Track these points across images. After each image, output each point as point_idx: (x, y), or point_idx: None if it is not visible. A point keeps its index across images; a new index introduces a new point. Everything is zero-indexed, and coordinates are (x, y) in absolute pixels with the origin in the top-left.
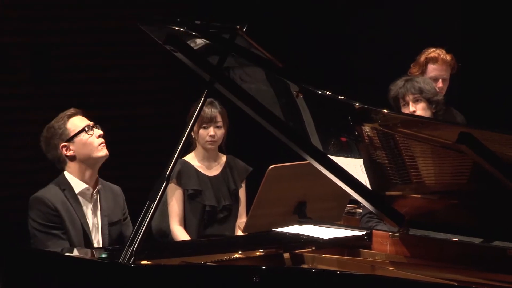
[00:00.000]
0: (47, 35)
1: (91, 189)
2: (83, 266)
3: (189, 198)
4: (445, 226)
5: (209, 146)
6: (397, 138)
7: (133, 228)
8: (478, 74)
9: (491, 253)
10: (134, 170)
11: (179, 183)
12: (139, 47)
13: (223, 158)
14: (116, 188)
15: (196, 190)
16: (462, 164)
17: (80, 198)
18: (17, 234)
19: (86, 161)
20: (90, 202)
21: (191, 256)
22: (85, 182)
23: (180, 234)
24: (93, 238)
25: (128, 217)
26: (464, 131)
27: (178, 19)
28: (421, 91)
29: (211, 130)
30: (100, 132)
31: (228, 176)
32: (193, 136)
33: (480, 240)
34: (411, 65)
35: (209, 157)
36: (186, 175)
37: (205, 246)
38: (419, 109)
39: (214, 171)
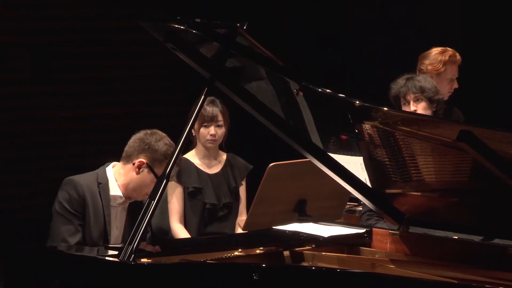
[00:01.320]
0: (47, 35)
1: (123, 199)
2: (83, 264)
3: (190, 196)
4: (445, 224)
5: (210, 145)
6: (397, 136)
7: (134, 225)
8: (477, 73)
9: (491, 251)
10: None
11: (179, 181)
12: (139, 46)
13: (224, 156)
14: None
15: (196, 188)
16: (462, 162)
17: (112, 199)
18: (17, 233)
19: (132, 190)
20: (119, 207)
21: (191, 254)
22: (125, 192)
23: (180, 232)
24: (113, 240)
25: None
26: (464, 129)
27: (179, 17)
28: (422, 90)
29: (212, 129)
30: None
31: (228, 174)
32: (193, 134)
33: (480, 238)
34: (426, 62)
35: (209, 155)
36: (187, 173)
37: (205, 244)
38: (420, 108)
39: (214, 169)
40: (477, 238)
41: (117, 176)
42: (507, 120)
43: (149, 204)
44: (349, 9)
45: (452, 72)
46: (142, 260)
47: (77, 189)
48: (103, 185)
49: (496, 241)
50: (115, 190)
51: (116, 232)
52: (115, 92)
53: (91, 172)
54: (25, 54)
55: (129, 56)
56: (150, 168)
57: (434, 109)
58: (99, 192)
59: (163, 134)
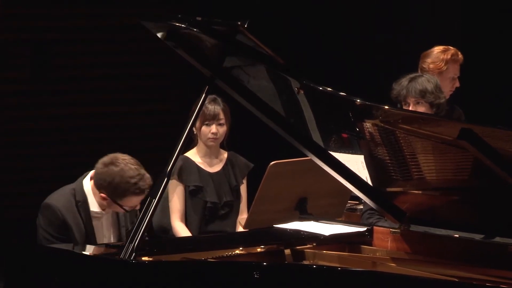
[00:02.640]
0: (47, 33)
1: (104, 214)
2: (84, 262)
3: (190, 194)
4: (446, 222)
5: (211, 144)
6: (398, 135)
7: (135, 223)
8: (478, 72)
9: (492, 249)
10: None
11: (180, 179)
12: (140, 45)
13: (225, 154)
14: None
15: (197, 186)
16: (463, 160)
17: (93, 214)
18: (17, 232)
19: (106, 207)
20: (102, 217)
21: (192, 252)
22: (101, 207)
23: (181, 230)
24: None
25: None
26: (465, 127)
27: (180, 16)
28: (422, 94)
29: (214, 128)
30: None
31: (229, 173)
32: (194, 133)
33: (481, 236)
34: (428, 61)
35: (210, 154)
36: (188, 171)
37: (206, 242)
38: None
39: (215, 167)
40: (478, 237)
41: (94, 192)
42: (508, 118)
43: (150, 202)
44: (349, 8)
45: (454, 71)
46: (143, 258)
47: (56, 214)
48: (82, 203)
49: (497, 239)
50: (94, 206)
51: (105, 240)
52: (115, 90)
53: (68, 189)
54: (25, 53)
55: (130, 54)
56: (113, 201)
57: (434, 112)
58: (79, 211)
59: (123, 163)
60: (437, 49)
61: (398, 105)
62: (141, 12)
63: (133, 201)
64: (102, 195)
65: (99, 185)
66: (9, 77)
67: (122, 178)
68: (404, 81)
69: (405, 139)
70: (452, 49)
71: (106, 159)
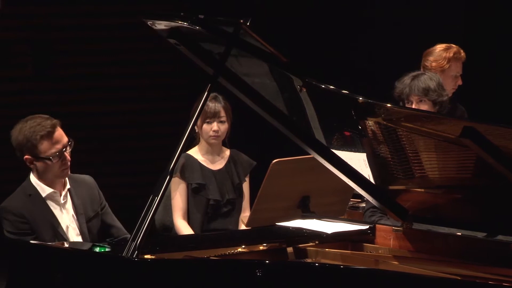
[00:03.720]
0: (49, 32)
1: (58, 193)
2: (86, 260)
3: (193, 192)
4: (448, 220)
5: (213, 141)
6: (401, 133)
7: (137, 222)
8: (481, 70)
9: (495, 247)
10: (134, 166)
11: (182, 177)
12: (142, 43)
13: (227, 152)
14: (88, 178)
15: (200, 184)
16: (465, 158)
17: (48, 201)
18: None
19: (46, 178)
20: (59, 204)
21: (194, 250)
22: (51, 187)
23: (184, 228)
24: (70, 238)
25: (106, 204)
26: (467, 125)
27: (182, 14)
28: (425, 92)
29: (215, 125)
30: (67, 158)
31: (232, 170)
32: (196, 131)
33: (484, 234)
34: (431, 59)
35: (213, 151)
36: (190, 169)
37: (209, 240)
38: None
39: (218, 165)
40: (480, 235)
41: (37, 177)
42: (511, 116)
43: (153, 200)
44: (351, 6)
45: (456, 69)
46: (145, 256)
47: (12, 212)
48: (33, 194)
49: (500, 237)
50: (44, 191)
51: (69, 228)
52: (117, 88)
53: (18, 189)
54: (27, 51)
55: (132, 52)
56: (33, 156)
57: (436, 110)
58: (33, 202)
59: (21, 121)
60: (439, 47)
61: (401, 103)
62: (143, 10)
63: (47, 146)
64: (26, 156)
65: (17, 150)
66: (11, 75)
67: (22, 131)
68: (407, 79)
69: (408, 137)
70: (454, 47)
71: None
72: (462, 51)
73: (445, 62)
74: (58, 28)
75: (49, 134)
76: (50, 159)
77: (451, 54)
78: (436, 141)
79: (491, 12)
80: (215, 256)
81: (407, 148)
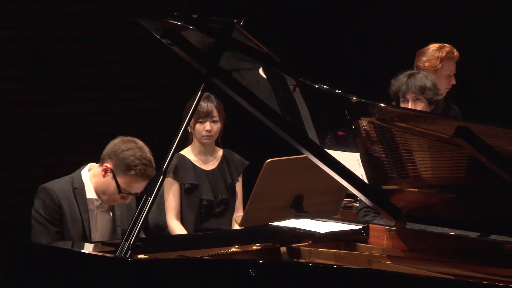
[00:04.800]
0: (46, 31)
1: (100, 201)
2: (80, 260)
3: (186, 192)
4: (442, 220)
5: (206, 141)
6: (394, 132)
7: (131, 221)
8: (475, 69)
9: (488, 247)
10: None
11: (176, 177)
12: (138, 43)
13: (220, 152)
14: None
15: (193, 184)
16: (459, 158)
17: (88, 203)
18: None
19: (101, 191)
20: (97, 210)
21: (188, 250)
22: (98, 195)
23: (177, 228)
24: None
25: None
26: (461, 125)
27: (176, 13)
28: (422, 91)
29: (208, 125)
30: (129, 198)
31: (225, 170)
32: (189, 131)
33: (477, 234)
34: (424, 59)
35: (205, 151)
36: (183, 169)
37: (202, 240)
38: (418, 108)
39: (210, 165)
40: (473, 234)
41: (92, 178)
42: (504, 115)
43: (146, 200)
44: (347, 4)
45: (450, 68)
46: (139, 256)
47: (51, 197)
48: (79, 189)
49: (493, 237)
50: (91, 193)
51: (97, 234)
52: (113, 88)
53: (66, 177)
54: (24, 50)
55: (129, 51)
56: (113, 175)
57: (431, 109)
58: (75, 197)
59: (141, 145)
60: (432, 47)
61: (394, 102)
62: (140, 9)
63: (132, 184)
64: (106, 164)
65: (109, 154)
66: (8, 75)
67: (136, 154)
68: (403, 77)
69: (401, 136)
70: (447, 47)
71: (126, 137)
72: (455, 50)
73: (438, 62)
74: (55, 28)
75: (144, 179)
76: (120, 191)
77: (444, 54)
78: (430, 141)
79: (490, 12)
80: (208, 256)
81: (401, 148)
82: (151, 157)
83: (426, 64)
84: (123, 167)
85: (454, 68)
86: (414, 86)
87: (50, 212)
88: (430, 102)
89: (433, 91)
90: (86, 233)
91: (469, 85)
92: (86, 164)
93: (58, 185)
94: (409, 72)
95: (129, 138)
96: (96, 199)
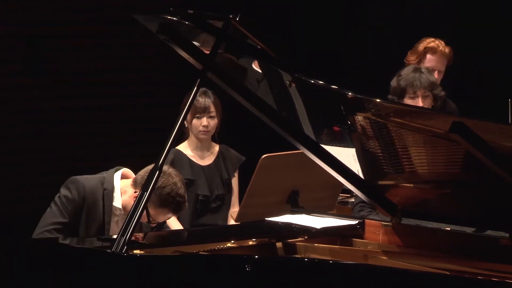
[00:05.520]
0: (40, 27)
1: (123, 212)
2: (76, 255)
3: None
4: (437, 215)
5: (202, 136)
6: (390, 128)
7: (127, 217)
8: (470, 65)
9: (484, 242)
10: (128, 161)
11: None
12: (132, 38)
13: (216, 147)
14: None
15: (189, 179)
16: (454, 153)
17: (113, 209)
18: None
19: (126, 204)
20: (120, 216)
21: (184, 246)
22: (124, 209)
23: (173, 223)
24: None
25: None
26: (456, 121)
27: (171, 9)
28: (432, 87)
29: (204, 120)
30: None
31: (221, 166)
32: (186, 126)
33: (473, 229)
34: (409, 53)
35: (202, 147)
36: (179, 164)
37: (198, 235)
38: (426, 104)
39: (207, 160)
40: (469, 230)
41: (123, 192)
42: (499, 111)
43: (142, 195)
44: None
45: (431, 62)
46: (134, 251)
47: (79, 190)
48: (108, 191)
49: (489, 232)
50: (117, 202)
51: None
52: (107, 83)
53: (98, 175)
54: (17, 46)
55: (122, 47)
56: (146, 208)
57: (432, 104)
58: (103, 197)
59: (176, 180)
60: (419, 42)
61: (397, 96)
62: (135, 5)
63: (162, 216)
64: (134, 191)
65: (146, 186)
66: (2, 70)
67: (172, 190)
68: (411, 72)
69: (397, 132)
70: (431, 39)
71: (165, 168)
72: (442, 45)
73: (419, 54)
74: (49, 23)
75: (173, 213)
76: (150, 221)
77: (426, 46)
78: (425, 136)
79: (481, 8)
80: (204, 251)
81: (396, 143)
82: (185, 190)
83: (411, 58)
84: (157, 202)
85: (439, 64)
86: (426, 82)
87: (71, 203)
88: (435, 98)
89: (440, 87)
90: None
91: (465, 80)
92: (121, 168)
93: (89, 181)
94: (414, 66)
95: (165, 170)
96: (119, 209)
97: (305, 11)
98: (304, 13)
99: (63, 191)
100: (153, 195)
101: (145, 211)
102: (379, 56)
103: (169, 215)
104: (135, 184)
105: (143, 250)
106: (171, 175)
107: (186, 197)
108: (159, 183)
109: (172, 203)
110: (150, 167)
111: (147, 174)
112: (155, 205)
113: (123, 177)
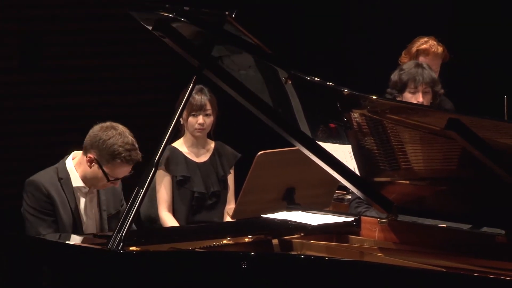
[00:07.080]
0: (36, 23)
1: (87, 188)
2: (71, 252)
3: (178, 185)
4: (433, 212)
5: (198, 134)
6: (386, 124)
7: (122, 214)
8: (467, 63)
9: (480, 239)
10: None
11: (167, 170)
12: (128, 34)
13: (212, 144)
14: None
15: (184, 176)
16: (450, 150)
17: (75, 191)
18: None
19: (88, 180)
20: (86, 197)
21: (179, 242)
22: (84, 182)
23: (169, 220)
24: (88, 231)
25: (124, 203)
26: (453, 118)
27: (167, 5)
28: (433, 83)
29: (200, 118)
30: (119, 182)
31: (216, 163)
32: (181, 123)
33: (469, 226)
34: (403, 53)
35: (197, 144)
36: (175, 161)
37: (194, 232)
38: (425, 100)
39: (202, 157)
40: (465, 227)
41: (77, 167)
42: (496, 108)
43: (138, 192)
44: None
45: (425, 61)
46: (130, 248)
47: (40, 189)
48: (65, 179)
49: (485, 229)
50: (77, 182)
51: (89, 221)
52: (104, 80)
53: (50, 168)
54: (13, 42)
55: (119, 43)
56: (99, 165)
57: (431, 101)
58: (62, 187)
59: (122, 129)
60: (412, 42)
61: (396, 91)
62: (132, 1)
63: (119, 170)
64: (90, 155)
65: (91, 144)
66: None
67: (118, 141)
68: (414, 67)
69: (393, 129)
70: (423, 40)
71: (104, 124)
72: (436, 45)
73: (412, 56)
74: (45, 19)
75: (130, 164)
76: (109, 179)
77: (418, 48)
78: (422, 133)
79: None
80: (200, 248)
81: (393, 140)
82: (133, 139)
83: (404, 59)
84: (107, 156)
85: (433, 65)
86: (428, 77)
87: (41, 204)
88: (435, 95)
89: (440, 85)
90: (77, 223)
91: (461, 78)
92: (70, 153)
93: (44, 176)
94: (415, 62)
95: (108, 124)
96: (83, 187)
97: (305, 11)
98: (304, 13)
99: (27, 197)
100: (103, 152)
101: (101, 172)
102: (379, 56)
103: (125, 167)
104: (84, 150)
105: (138, 247)
106: (114, 127)
107: (136, 145)
108: (104, 137)
109: (122, 152)
110: (96, 128)
111: (92, 134)
112: (106, 160)
113: (74, 158)
